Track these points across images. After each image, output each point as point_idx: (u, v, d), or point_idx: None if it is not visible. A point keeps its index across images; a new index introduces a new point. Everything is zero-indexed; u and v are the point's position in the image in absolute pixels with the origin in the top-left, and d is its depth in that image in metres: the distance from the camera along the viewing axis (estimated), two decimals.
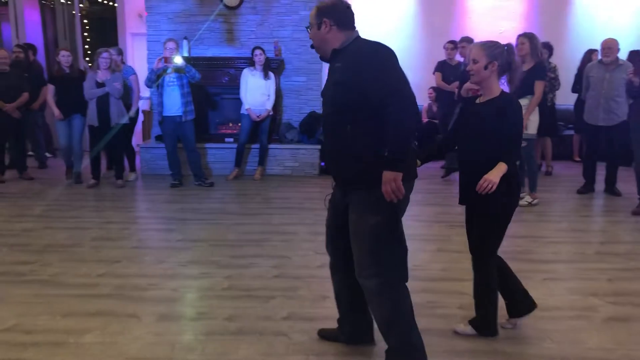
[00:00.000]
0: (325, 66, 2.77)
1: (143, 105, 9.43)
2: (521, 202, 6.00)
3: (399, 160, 2.32)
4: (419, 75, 8.07)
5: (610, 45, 6.11)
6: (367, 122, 2.41)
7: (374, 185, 2.39)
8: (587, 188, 6.52)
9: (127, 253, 4.39)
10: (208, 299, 3.52)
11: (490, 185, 2.68)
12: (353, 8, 2.60)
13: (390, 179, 2.33)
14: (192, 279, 3.86)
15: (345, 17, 2.55)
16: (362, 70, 2.38)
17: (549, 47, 7.20)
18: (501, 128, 2.76)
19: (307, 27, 2.64)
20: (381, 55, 2.40)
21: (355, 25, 2.59)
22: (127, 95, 6.86)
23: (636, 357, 2.80)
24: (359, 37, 2.57)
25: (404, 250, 2.54)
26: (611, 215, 5.64)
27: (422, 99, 8.53)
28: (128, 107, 6.86)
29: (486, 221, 2.87)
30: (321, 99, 2.67)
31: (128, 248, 4.53)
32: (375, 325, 2.67)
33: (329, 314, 3.26)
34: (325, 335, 2.98)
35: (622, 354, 2.82)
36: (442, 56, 7.84)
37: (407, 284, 2.54)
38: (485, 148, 2.78)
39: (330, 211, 2.75)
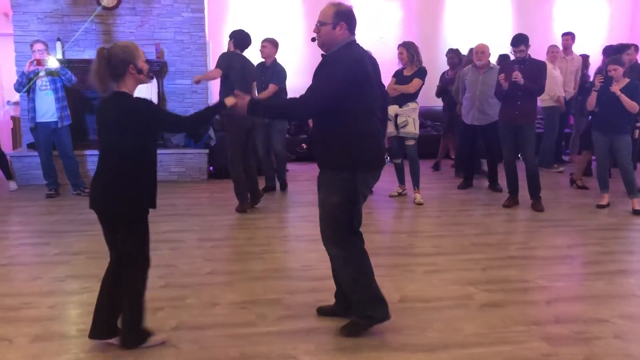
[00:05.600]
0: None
1: (13, 110, 8.76)
2: (392, 193, 6.46)
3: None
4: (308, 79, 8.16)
5: (482, 50, 6.54)
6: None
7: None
8: (466, 184, 6.95)
9: None
10: (90, 314, 3.29)
11: None
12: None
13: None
14: (72, 294, 3.64)
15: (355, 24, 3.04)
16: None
17: None
18: None
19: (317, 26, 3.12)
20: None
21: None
22: None
23: (507, 339, 3.03)
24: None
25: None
26: (485, 208, 6.05)
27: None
28: None
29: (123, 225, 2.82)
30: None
31: None
32: None
33: (219, 321, 3.23)
34: (324, 311, 3.26)
35: (496, 337, 3.04)
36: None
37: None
38: None
39: None
